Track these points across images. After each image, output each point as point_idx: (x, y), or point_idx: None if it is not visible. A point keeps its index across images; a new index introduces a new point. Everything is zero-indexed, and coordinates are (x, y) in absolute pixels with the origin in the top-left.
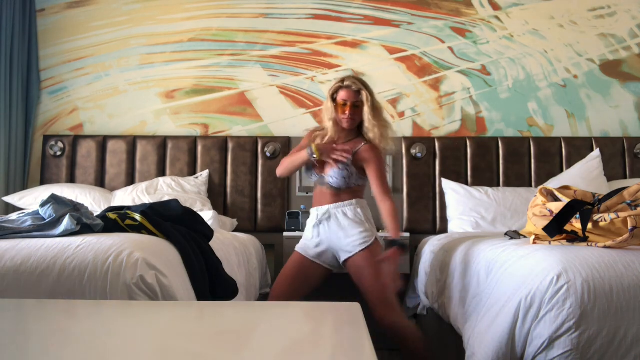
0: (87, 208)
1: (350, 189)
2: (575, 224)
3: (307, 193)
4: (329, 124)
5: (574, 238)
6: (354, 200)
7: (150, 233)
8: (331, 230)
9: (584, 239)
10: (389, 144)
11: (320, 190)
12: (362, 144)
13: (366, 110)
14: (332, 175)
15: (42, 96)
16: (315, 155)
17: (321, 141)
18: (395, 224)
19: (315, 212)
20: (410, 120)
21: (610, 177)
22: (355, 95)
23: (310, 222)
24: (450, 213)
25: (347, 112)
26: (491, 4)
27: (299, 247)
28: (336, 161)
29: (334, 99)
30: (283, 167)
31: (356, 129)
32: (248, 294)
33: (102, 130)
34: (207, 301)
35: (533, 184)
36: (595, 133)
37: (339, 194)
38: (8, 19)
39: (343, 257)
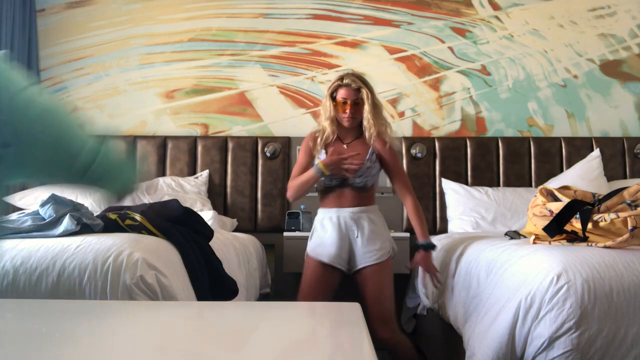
0: (87, 208)
1: (372, 188)
2: (575, 224)
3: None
4: (326, 123)
5: (574, 238)
6: (376, 206)
7: (150, 233)
8: (352, 235)
9: (584, 239)
10: (392, 140)
11: (341, 192)
12: (372, 140)
13: (366, 108)
14: (361, 174)
15: None
16: (324, 173)
17: (321, 141)
18: (422, 225)
19: (336, 214)
20: (410, 120)
21: (610, 177)
22: (355, 93)
23: (328, 224)
24: (450, 213)
25: (347, 111)
26: (491, 4)
27: (312, 252)
28: (351, 170)
29: (333, 98)
30: (294, 191)
31: (359, 127)
32: (248, 294)
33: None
34: (207, 301)
35: (533, 184)
36: (595, 133)
37: (364, 195)
38: (8, 19)
39: (354, 265)
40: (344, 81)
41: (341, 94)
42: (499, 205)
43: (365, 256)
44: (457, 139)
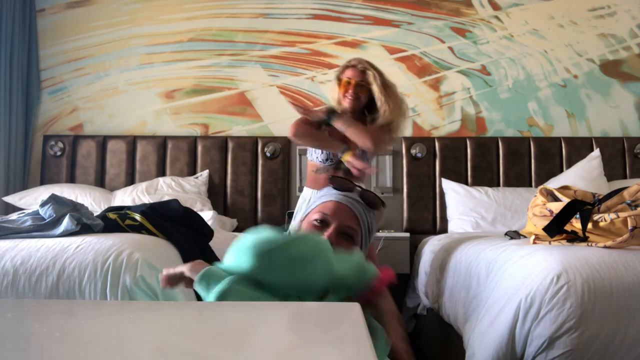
0: (87, 208)
1: (363, 173)
2: (575, 224)
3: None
4: (334, 104)
5: (574, 238)
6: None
7: (150, 233)
8: None
9: (584, 239)
10: (404, 116)
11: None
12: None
13: (375, 89)
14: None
15: (42, 96)
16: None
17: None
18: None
19: None
20: (410, 120)
21: (610, 177)
22: (360, 74)
23: None
24: (450, 213)
25: (350, 91)
26: (491, 4)
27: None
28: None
29: (340, 80)
30: (303, 138)
31: (361, 114)
32: None
33: (102, 130)
34: (207, 301)
35: (533, 184)
36: (595, 133)
37: (355, 178)
38: (8, 19)
39: None
40: (351, 62)
41: (346, 74)
42: (499, 205)
43: None
44: (457, 139)
